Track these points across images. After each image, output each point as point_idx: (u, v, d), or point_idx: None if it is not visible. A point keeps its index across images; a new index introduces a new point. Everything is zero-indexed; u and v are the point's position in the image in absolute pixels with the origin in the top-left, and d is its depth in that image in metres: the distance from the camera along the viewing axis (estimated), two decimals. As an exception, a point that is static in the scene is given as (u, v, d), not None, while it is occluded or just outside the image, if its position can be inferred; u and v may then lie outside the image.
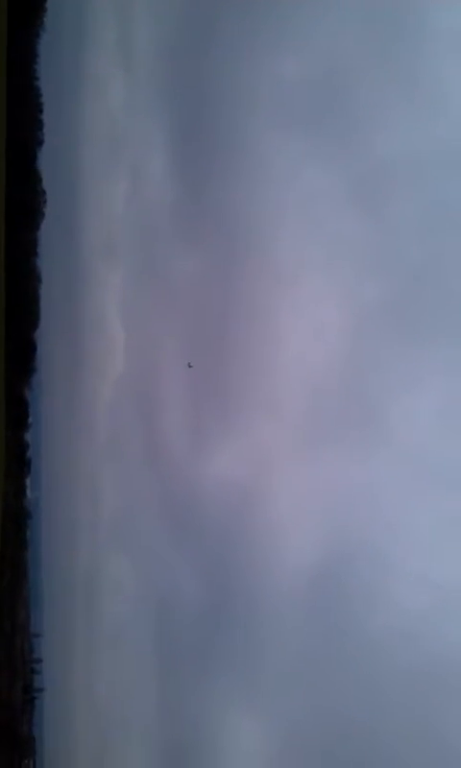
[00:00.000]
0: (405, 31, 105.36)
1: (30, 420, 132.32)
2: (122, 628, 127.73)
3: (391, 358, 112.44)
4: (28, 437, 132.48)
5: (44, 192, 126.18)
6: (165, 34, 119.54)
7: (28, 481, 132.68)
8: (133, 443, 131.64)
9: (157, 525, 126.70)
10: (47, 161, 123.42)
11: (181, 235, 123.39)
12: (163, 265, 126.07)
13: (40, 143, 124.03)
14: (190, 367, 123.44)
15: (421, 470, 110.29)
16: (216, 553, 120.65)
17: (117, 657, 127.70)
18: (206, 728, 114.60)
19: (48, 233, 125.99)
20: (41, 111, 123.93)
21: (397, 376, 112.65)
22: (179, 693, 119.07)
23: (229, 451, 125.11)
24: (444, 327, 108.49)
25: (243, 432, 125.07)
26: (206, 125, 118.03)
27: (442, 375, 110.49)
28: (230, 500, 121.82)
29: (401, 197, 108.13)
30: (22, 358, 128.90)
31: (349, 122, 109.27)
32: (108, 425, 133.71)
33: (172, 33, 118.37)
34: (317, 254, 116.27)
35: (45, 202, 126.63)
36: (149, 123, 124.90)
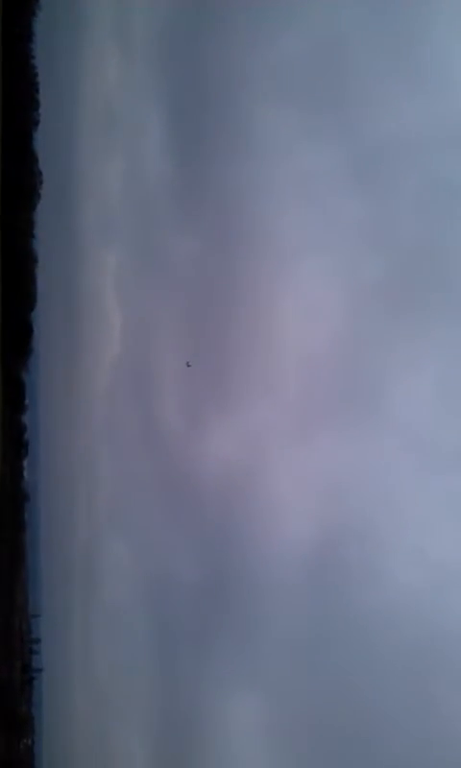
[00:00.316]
0: (405, 7, 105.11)
1: (27, 401, 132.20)
2: (120, 608, 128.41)
3: (389, 337, 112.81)
4: (25, 419, 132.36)
5: (41, 173, 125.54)
6: (162, 11, 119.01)
7: (25, 463, 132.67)
8: (130, 424, 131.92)
9: (154, 506, 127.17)
10: (43, 141, 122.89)
11: (179, 214, 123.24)
12: (161, 245, 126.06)
13: (36, 123, 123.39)
14: (189, 366, 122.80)
15: (418, 449, 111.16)
16: (214, 533, 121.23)
17: (116, 636, 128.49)
18: (204, 706, 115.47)
19: (45, 214, 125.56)
20: (38, 91, 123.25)
21: (395, 356, 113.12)
22: (177, 672, 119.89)
23: (226, 432, 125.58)
24: (442, 307, 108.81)
25: (241, 412, 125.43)
26: (204, 103, 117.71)
27: (440, 355, 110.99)
28: (228, 480, 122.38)
29: (401, 175, 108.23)
30: (19, 340, 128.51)
31: (347, 99, 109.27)
32: (105, 407, 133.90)
33: (168, 10, 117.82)
34: (315, 233, 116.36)
35: (42, 182, 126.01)
36: (146, 101, 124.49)
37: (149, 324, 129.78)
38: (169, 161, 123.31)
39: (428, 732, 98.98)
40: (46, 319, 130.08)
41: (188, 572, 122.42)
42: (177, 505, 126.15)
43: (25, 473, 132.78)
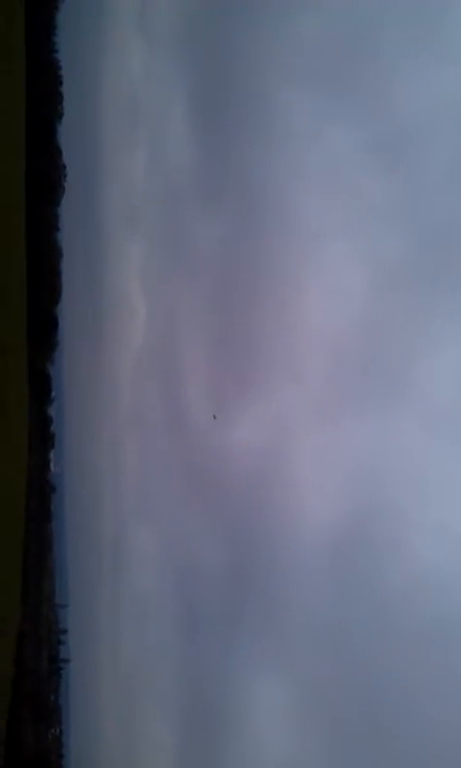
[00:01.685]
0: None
1: (53, 394, 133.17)
2: (147, 596, 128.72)
3: (413, 318, 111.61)
4: (51, 411, 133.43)
5: (64, 166, 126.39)
6: (183, 1, 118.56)
7: (52, 455, 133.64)
8: (154, 413, 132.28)
9: (180, 493, 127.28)
10: (67, 135, 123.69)
11: (202, 201, 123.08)
12: (184, 233, 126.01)
13: (60, 116, 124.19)
14: (215, 419, 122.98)
15: (441, 428, 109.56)
16: (240, 518, 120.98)
17: (143, 624, 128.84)
18: (231, 692, 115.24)
19: (69, 207, 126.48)
20: (61, 84, 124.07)
21: (419, 337, 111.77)
22: (204, 660, 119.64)
23: (251, 416, 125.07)
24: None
25: (265, 396, 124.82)
26: (226, 89, 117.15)
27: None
28: (253, 465, 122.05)
29: (424, 154, 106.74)
30: (44, 333, 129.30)
31: (369, 80, 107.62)
32: (130, 397, 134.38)
33: (190, 0, 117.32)
34: (340, 215, 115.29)
35: (66, 176, 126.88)
36: (168, 89, 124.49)
37: (174, 313, 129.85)
38: (192, 149, 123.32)
39: (455, 710, 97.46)
40: (71, 312, 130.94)
41: (215, 558, 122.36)
42: (203, 492, 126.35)
43: (51, 465, 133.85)
